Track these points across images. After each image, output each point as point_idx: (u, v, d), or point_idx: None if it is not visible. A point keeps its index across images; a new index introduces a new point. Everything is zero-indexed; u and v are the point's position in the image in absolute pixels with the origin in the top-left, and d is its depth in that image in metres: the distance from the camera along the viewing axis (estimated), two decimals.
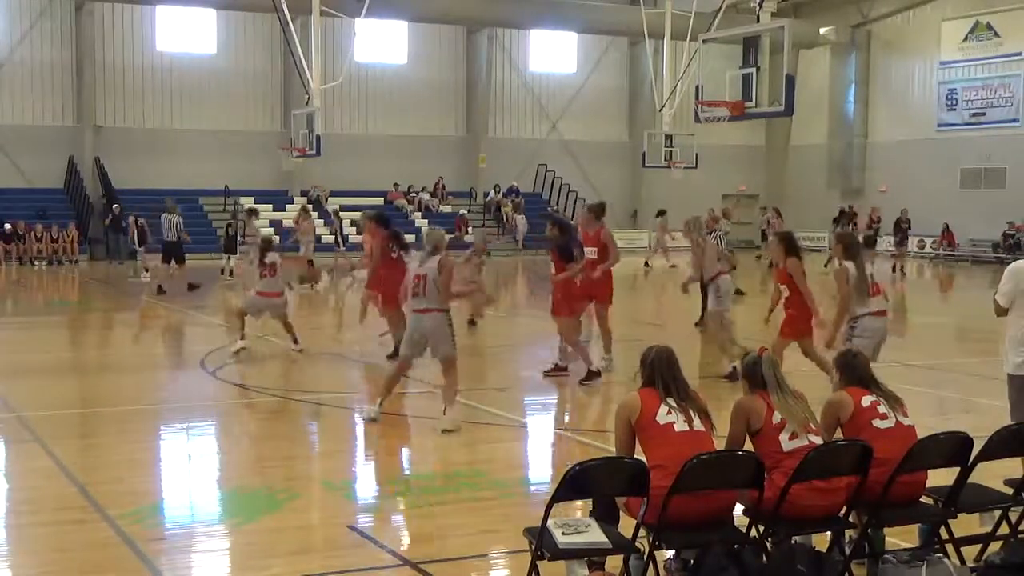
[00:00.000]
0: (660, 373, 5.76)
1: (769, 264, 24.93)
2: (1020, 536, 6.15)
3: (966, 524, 6.13)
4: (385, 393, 10.07)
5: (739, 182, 43.64)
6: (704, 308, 16.96)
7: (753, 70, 27.40)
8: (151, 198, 34.39)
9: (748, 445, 5.76)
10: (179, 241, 23.82)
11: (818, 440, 5.67)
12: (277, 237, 33.94)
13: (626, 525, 5.48)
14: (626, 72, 43.24)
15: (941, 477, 6.09)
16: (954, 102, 38.25)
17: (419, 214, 38.25)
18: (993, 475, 6.29)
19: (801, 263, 11.28)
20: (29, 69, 35.46)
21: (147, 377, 13.26)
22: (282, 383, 12.74)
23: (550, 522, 5.15)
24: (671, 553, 5.61)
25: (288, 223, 33.74)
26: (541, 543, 5.13)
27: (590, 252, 12.75)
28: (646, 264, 31.88)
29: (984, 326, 20.13)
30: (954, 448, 5.89)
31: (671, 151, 34.77)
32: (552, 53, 42.01)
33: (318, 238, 33.00)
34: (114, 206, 32.68)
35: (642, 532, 5.35)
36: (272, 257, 14.41)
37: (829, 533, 5.86)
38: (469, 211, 38.58)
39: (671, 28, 34.40)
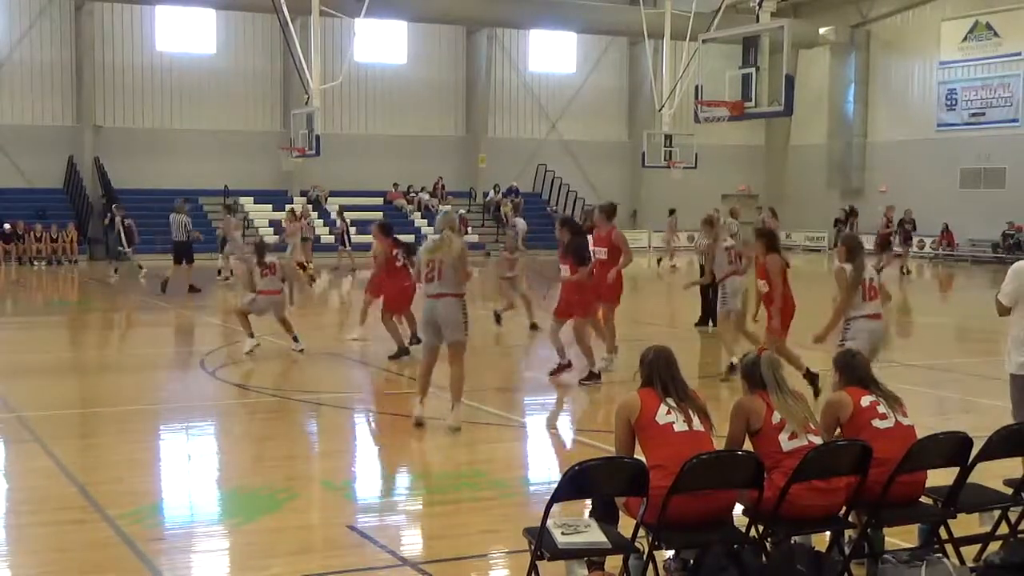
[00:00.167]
0: (658, 373, 5.76)
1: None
2: (1020, 536, 6.15)
3: (966, 524, 6.13)
4: (423, 391, 9.83)
5: (739, 182, 43.64)
6: (704, 309, 17.02)
7: (753, 70, 27.42)
8: (151, 198, 34.52)
9: (748, 445, 5.76)
10: (188, 241, 23.91)
11: (818, 440, 5.68)
12: (276, 237, 34.11)
13: (626, 525, 5.48)
14: (626, 72, 43.26)
15: (941, 477, 6.09)
16: (954, 102, 38.27)
17: (419, 214, 38.26)
18: (993, 475, 6.29)
19: (780, 260, 11.27)
20: (29, 69, 35.48)
21: (147, 377, 13.26)
22: (282, 383, 12.74)
23: (550, 522, 5.15)
24: (671, 553, 5.61)
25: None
26: (541, 543, 5.13)
27: (601, 252, 12.83)
28: (658, 262, 31.86)
29: (984, 326, 20.14)
30: (954, 448, 5.89)
31: (671, 151, 34.77)
32: (552, 53, 42.03)
33: (318, 238, 33.05)
34: (113, 206, 32.65)
35: (642, 532, 5.36)
36: (270, 257, 14.49)
37: (829, 533, 5.86)
38: (469, 211, 38.58)
39: (671, 28, 34.40)
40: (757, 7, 29.86)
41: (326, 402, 11.35)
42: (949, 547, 5.96)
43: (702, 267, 17.53)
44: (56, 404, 11.17)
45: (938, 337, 18.80)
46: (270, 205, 37.08)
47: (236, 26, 37.54)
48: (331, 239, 34.95)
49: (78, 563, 6.38)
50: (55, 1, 35.71)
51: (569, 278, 12.23)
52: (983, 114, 37.30)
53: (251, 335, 14.22)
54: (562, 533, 5.16)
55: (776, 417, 5.69)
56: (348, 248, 30.47)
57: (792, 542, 5.73)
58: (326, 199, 37.77)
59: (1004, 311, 7.49)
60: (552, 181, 41.49)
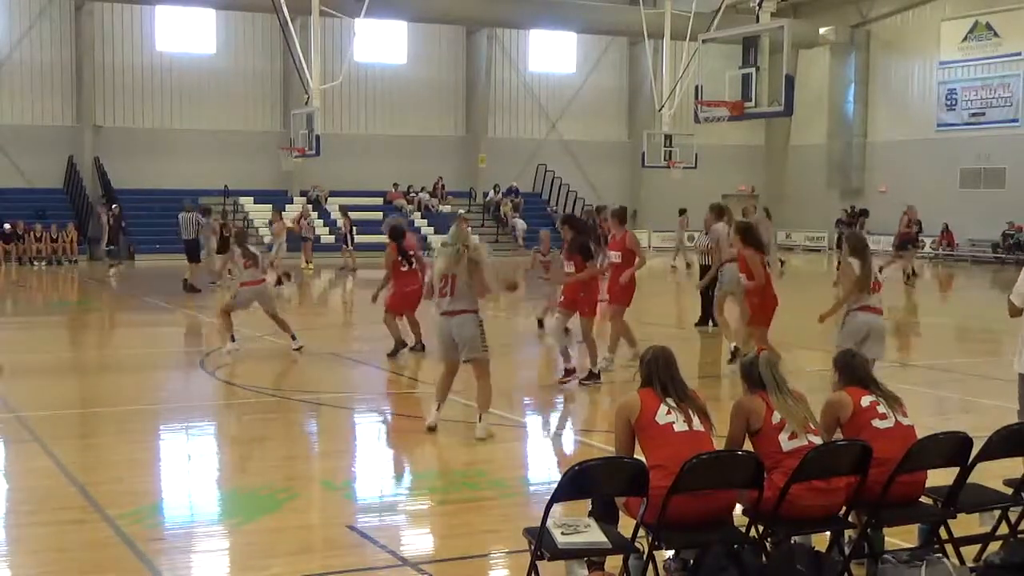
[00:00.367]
0: (658, 373, 5.76)
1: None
2: (1020, 536, 6.15)
3: (966, 524, 6.13)
4: (441, 399, 9.68)
5: (739, 182, 43.65)
6: (704, 308, 17.01)
7: (753, 70, 27.42)
8: (151, 198, 34.54)
9: (748, 445, 5.76)
10: (197, 240, 24.03)
11: (817, 440, 5.68)
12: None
13: (626, 525, 5.48)
14: (626, 72, 43.26)
15: (941, 477, 6.09)
16: (953, 102, 38.27)
17: (419, 214, 38.26)
18: (993, 475, 6.29)
19: (758, 255, 11.34)
20: (29, 69, 35.48)
21: (147, 377, 13.26)
22: (282, 383, 12.74)
23: (550, 522, 5.15)
24: (670, 553, 5.62)
25: (288, 223, 33.73)
26: (541, 543, 5.13)
27: (615, 256, 13.02)
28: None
29: (984, 326, 20.16)
30: (954, 448, 5.89)
31: (671, 151, 34.77)
32: (552, 53, 42.03)
33: (318, 238, 33.06)
34: (114, 206, 32.67)
35: (642, 532, 5.36)
36: (252, 248, 14.42)
37: (829, 533, 5.86)
38: (469, 211, 38.57)
39: (671, 28, 34.42)
40: (757, 7, 29.87)
41: (326, 402, 11.35)
42: (949, 547, 5.96)
43: (702, 267, 17.53)
44: (56, 404, 11.17)
45: (938, 337, 18.80)
46: (270, 205, 36.98)
47: (236, 26, 37.55)
48: (331, 239, 35.00)
49: (78, 563, 6.38)
50: (55, 1, 35.72)
51: (578, 276, 12.14)
52: (983, 114, 37.30)
53: (232, 338, 14.17)
54: (562, 533, 5.16)
55: (776, 417, 5.69)
56: (350, 248, 30.44)
57: (792, 542, 5.73)
58: (326, 199, 37.77)
59: (1016, 312, 7.50)
60: (552, 181, 41.50)
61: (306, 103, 29.67)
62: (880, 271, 10.75)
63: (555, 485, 5.22)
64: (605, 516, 5.54)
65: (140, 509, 7.33)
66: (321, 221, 35.98)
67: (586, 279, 12.13)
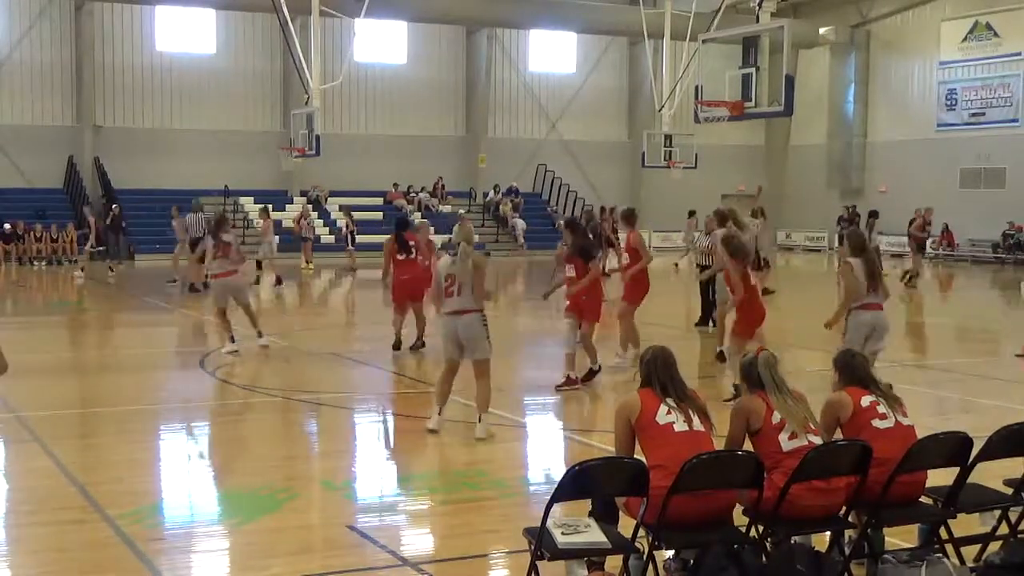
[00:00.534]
0: (657, 373, 5.76)
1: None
2: (1020, 536, 6.15)
3: (966, 524, 6.13)
4: (441, 401, 9.66)
5: (739, 182, 43.62)
6: (704, 308, 17.03)
7: (753, 70, 27.40)
8: (151, 198, 34.54)
9: (748, 445, 5.76)
10: (204, 238, 24.11)
11: (817, 440, 5.68)
12: (277, 237, 34.10)
13: (626, 525, 5.48)
14: (626, 72, 43.25)
15: (941, 477, 6.09)
16: (953, 102, 38.26)
17: (419, 214, 38.24)
18: (993, 475, 6.29)
19: (740, 266, 11.35)
20: (29, 69, 35.47)
21: (147, 377, 13.26)
22: (282, 383, 12.73)
23: (550, 522, 5.15)
24: (671, 553, 5.62)
25: (287, 223, 33.76)
26: (541, 543, 5.13)
27: (627, 257, 13.48)
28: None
29: (984, 326, 20.17)
30: (954, 448, 5.89)
31: (671, 151, 34.76)
32: (552, 53, 42.02)
33: (318, 238, 33.05)
34: (114, 206, 32.69)
35: (642, 532, 5.36)
36: (227, 237, 14.30)
37: (829, 533, 5.86)
38: (469, 211, 38.57)
39: (671, 28, 34.41)
40: (757, 7, 29.86)
41: (326, 402, 11.35)
42: (949, 547, 5.96)
43: (700, 267, 17.54)
44: (56, 404, 11.17)
45: (938, 337, 18.81)
46: (270, 205, 36.98)
47: (236, 26, 37.54)
48: (331, 239, 35.01)
49: (78, 563, 6.38)
50: (55, 1, 35.71)
51: (580, 284, 12.05)
52: (983, 114, 37.29)
53: (231, 339, 14.15)
54: (562, 533, 5.16)
55: (776, 417, 5.69)
56: (352, 248, 30.40)
57: (792, 542, 5.73)
58: (326, 199, 37.77)
59: None
60: (552, 181, 41.49)
61: (306, 103, 29.66)
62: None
63: (555, 485, 5.22)
64: (605, 516, 5.54)
65: (140, 509, 7.33)
66: (321, 221, 35.98)
67: (588, 284, 12.06)
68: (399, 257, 14.32)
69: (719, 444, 5.75)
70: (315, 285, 27.67)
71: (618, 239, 16.02)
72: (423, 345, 14.24)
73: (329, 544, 6.81)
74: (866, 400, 5.97)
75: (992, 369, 14.19)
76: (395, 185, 39.17)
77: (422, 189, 39.43)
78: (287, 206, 36.62)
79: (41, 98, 35.71)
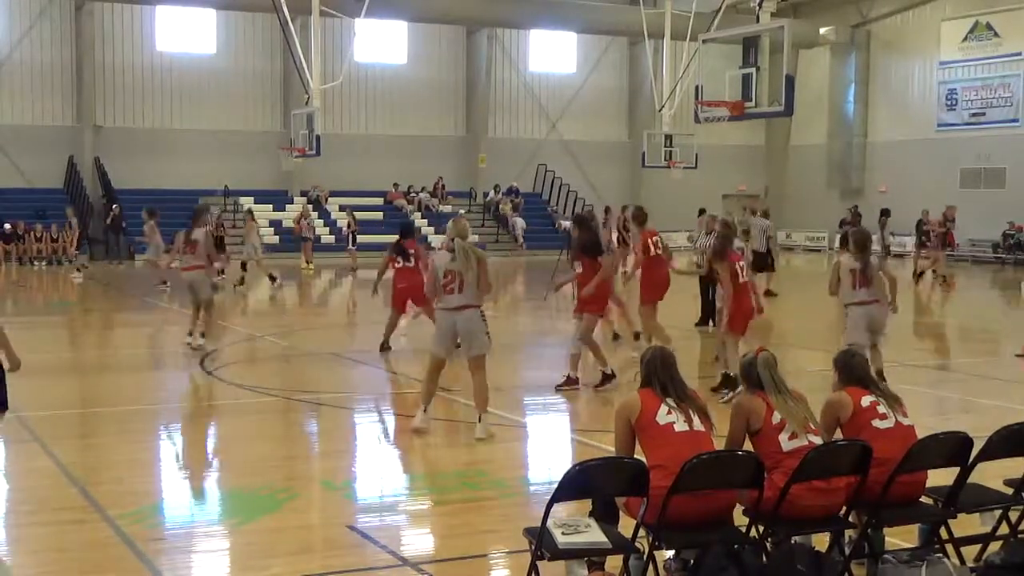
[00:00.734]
0: (657, 373, 5.76)
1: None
2: (1020, 536, 6.15)
3: (966, 524, 6.13)
4: (427, 399, 9.64)
5: (739, 182, 43.64)
6: (704, 309, 17.03)
7: (753, 70, 27.40)
8: (151, 198, 34.47)
9: (748, 445, 5.76)
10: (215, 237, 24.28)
11: (818, 440, 5.68)
12: (276, 237, 34.13)
13: (626, 525, 5.48)
14: (626, 72, 43.24)
15: (941, 477, 6.09)
16: (954, 102, 38.26)
17: (419, 214, 38.25)
18: (993, 475, 6.29)
19: (729, 265, 11.55)
20: (29, 69, 35.47)
21: (147, 377, 13.27)
22: (282, 383, 12.73)
23: (550, 522, 5.15)
24: (671, 553, 5.61)
25: (288, 223, 33.78)
26: (541, 543, 5.13)
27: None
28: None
29: (984, 326, 20.17)
30: (954, 448, 5.89)
31: (671, 151, 34.74)
32: (552, 53, 42.01)
33: (318, 238, 33.05)
34: (114, 206, 32.72)
35: (642, 532, 5.36)
36: (196, 235, 14.30)
37: (829, 533, 5.86)
38: (469, 211, 38.57)
39: (671, 28, 34.39)
40: (757, 7, 29.86)
41: (326, 402, 11.35)
42: (949, 547, 5.96)
43: (699, 267, 17.55)
44: (56, 404, 11.16)
45: (938, 337, 18.80)
46: (270, 205, 37.05)
47: (236, 26, 37.53)
48: (331, 239, 35.01)
49: (78, 563, 6.38)
50: (55, 1, 35.70)
51: (593, 282, 12.00)
52: (983, 114, 37.28)
53: (202, 334, 14.16)
54: (562, 533, 5.15)
55: (776, 417, 5.69)
56: (353, 248, 30.38)
57: (792, 542, 5.73)
58: (326, 199, 37.77)
59: None
60: (552, 181, 41.49)
61: (306, 103, 29.65)
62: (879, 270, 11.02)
63: (555, 485, 5.22)
64: (605, 516, 5.54)
65: (140, 509, 7.33)
66: (321, 221, 35.98)
67: (599, 283, 11.95)
68: (397, 265, 14.33)
69: (719, 444, 5.75)
70: (315, 285, 27.67)
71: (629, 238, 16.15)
72: (390, 348, 14.30)
73: (329, 544, 6.81)
74: (866, 400, 5.97)
75: (992, 369, 14.19)
76: (395, 185, 39.16)
77: (422, 189, 39.43)
78: (287, 206, 36.62)
79: (41, 98, 35.71)
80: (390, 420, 11.01)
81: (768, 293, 20.50)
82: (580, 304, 12.04)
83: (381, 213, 37.80)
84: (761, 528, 5.60)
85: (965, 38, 37.62)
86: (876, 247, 30.45)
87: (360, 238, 30.76)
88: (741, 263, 11.95)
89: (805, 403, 5.85)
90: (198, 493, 8.03)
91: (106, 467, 8.75)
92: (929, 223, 31.37)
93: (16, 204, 33.33)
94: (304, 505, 7.73)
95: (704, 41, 30.55)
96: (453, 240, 9.41)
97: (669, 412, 5.62)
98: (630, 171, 41.91)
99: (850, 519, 5.78)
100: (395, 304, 14.40)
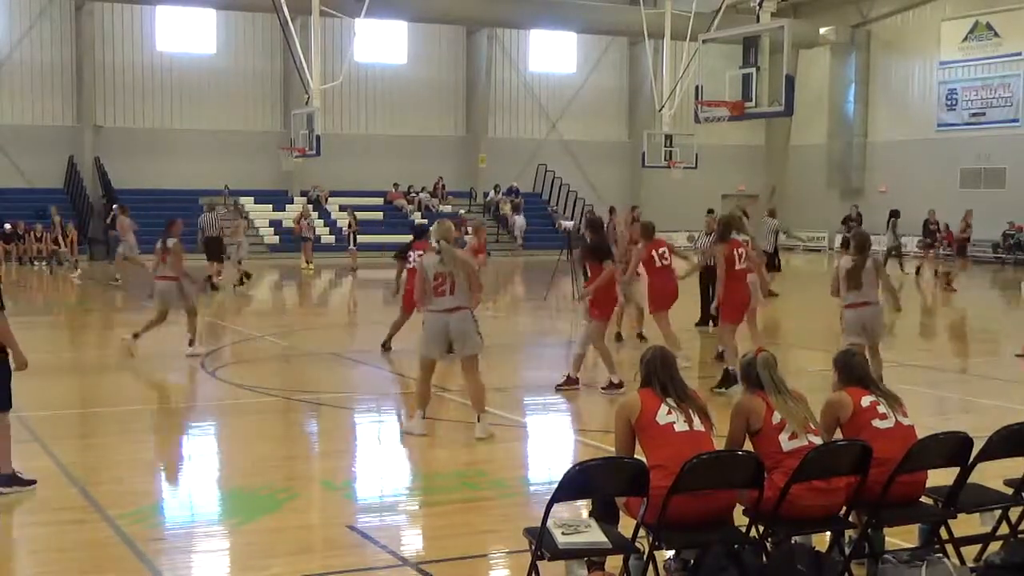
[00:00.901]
0: (656, 373, 5.76)
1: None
2: (1020, 536, 6.15)
3: (966, 524, 6.13)
4: (423, 403, 9.65)
5: (739, 182, 43.64)
6: (703, 309, 17.02)
7: (753, 70, 27.40)
8: (151, 198, 34.51)
9: (748, 445, 5.76)
10: (219, 237, 24.37)
11: (818, 440, 5.68)
12: (276, 237, 34.13)
13: (626, 525, 5.48)
14: (626, 72, 43.24)
15: (941, 477, 6.09)
16: (954, 102, 38.25)
17: (419, 214, 38.25)
18: (993, 475, 6.29)
19: (726, 249, 11.79)
20: (29, 69, 35.47)
21: (147, 377, 13.27)
22: (282, 383, 12.74)
23: (550, 522, 5.15)
24: (671, 553, 5.61)
25: (288, 223, 33.78)
26: (541, 543, 5.13)
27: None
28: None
29: (984, 326, 20.16)
30: (954, 448, 5.89)
31: (671, 151, 34.73)
32: (552, 53, 42.01)
33: (318, 238, 33.05)
34: (114, 206, 32.68)
35: (642, 532, 5.36)
36: (169, 243, 14.28)
37: (829, 533, 5.86)
38: (469, 211, 38.58)
39: (671, 28, 34.39)
40: (757, 7, 29.85)
41: (326, 402, 11.35)
42: (949, 547, 5.96)
43: (706, 267, 17.54)
44: (56, 404, 11.16)
45: (938, 337, 18.80)
46: (270, 205, 37.08)
47: (236, 26, 37.53)
48: (331, 239, 35.00)
49: (78, 563, 6.38)
50: (55, 1, 35.71)
51: (593, 284, 11.99)
52: (983, 114, 37.28)
53: (190, 341, 14.08)
54: (562, 533, 5.15)
55: (776, 417, 5.69)
56: (354, 247, 30.40)
57: (792, 542, 5.73)
58: (326, 199, 37.77)
59: None
60: (552, 181, 41.49)
61: (306, 103, 29.64)
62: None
63: (555, 485, 5.21)
64: (605, 516, 5.54)
65: (140, 509, 7.33)
66: (321, 221, 35.98)
67: (601, 284, 11.94)
68: (407, 267, 14.32)
69: (719, 444, 5.75)
70: (315, 285, 27.67)
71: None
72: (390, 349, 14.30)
73: (329, 544, 6.81)
74: (866, 400, 5.97)
75: (992, 369, 14.20)
76: (395, 185, 39.17)
77: (422, 189, 39.43)
78: (287, 206, 36.63)
79: (41, 98, 35.71)
80: (390, 420, 11.01)
81: (770, 293, 20.49)
82: (590, 308, 12.06)
83: (381, 213, 37.81)
84: (761, 528, 5.60)
85: (965, 38, 37.63)
86: (885, 248, 30.67)
87: (360, 238, 30.77)
88: (741, 250, 11.98)
89: (805, 403, 5.85)
90: (198, 493, 8.02)
91: (106, 467, 8.75)
92: (936, 223, 31.40)
93: (16, 204, 33.32)
94: (304, 505, 7.73)
95: (704, 41, 30.55)
96: (438, 242, 9.41)
97: (669, 412, 5.61)
98: (630, 171, 41.91)
99: (850, 519, 5.78)
100: (404, 306, 14.35)
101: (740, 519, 5.65)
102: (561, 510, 5.29)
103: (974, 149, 37.20)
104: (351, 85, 36.23)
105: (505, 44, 41.36)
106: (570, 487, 5.20)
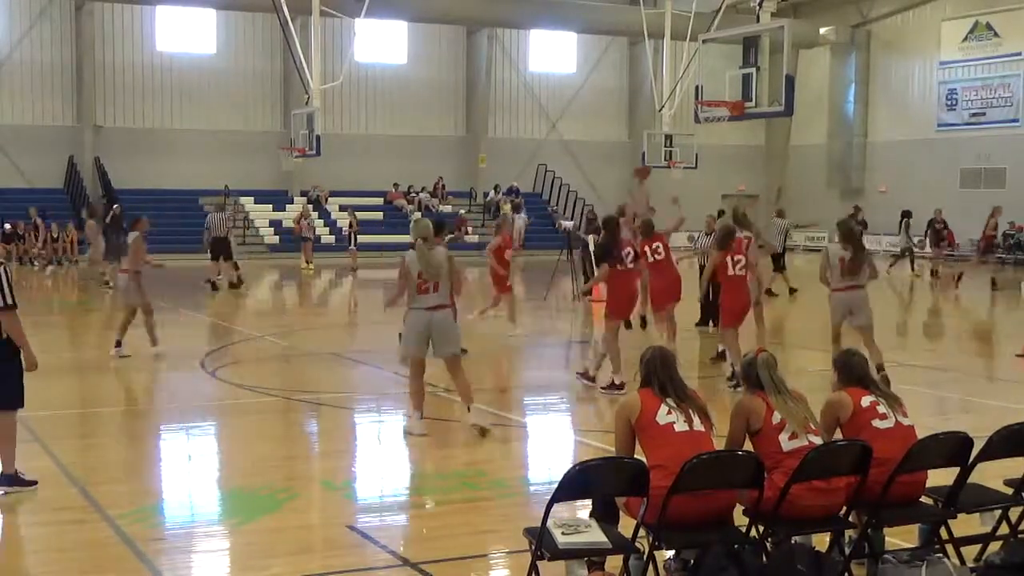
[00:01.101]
0: (656, 373, 5.76)
1: None
2: (1020, 536, 6.15)
3: (966, 524, 6.13)
4: (418, 402, 9.64)
5: (739, 182, 43.63)
6: (703, 308, 17.01)
7: (753, 70, 27.41)
8: (151, 198, 34.54)
9: (748, 445, 5.76)
10: (226, 237, 24.63)
11: (818, 440, 5.67)
12: (276, 237, 34.12)
13: (626, 525, 5.48)
14: (626, 72, 43.25)
15: (941, 477, 6.09)
16: (954, 102, 38.26)
17: (419, 214, 38.24)
18: (993, 475, 6.29)
19: (720, 256, 12.01)
20: (29, 69, 35.48)
21: (147, 377, 13.26)
22: (282, 383, 12.74)
23: (550, 522, 5.15)
24: (671, 553, 5.61)
25: (288, 223, 33.78)
26: (541, 543, 5.13)
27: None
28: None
29: (984, 326, 20.16)
30: (954, 448, 5.89)
31: (671, 151, 34.74)
32: (552, 53, 42.02)
33: (318, 238, 33.05)
34: (114, 206, 32.67)
35: (642, 532, 5.35)
36: (129, 239, 14.26)
37: (829, 533, 5.86)
38: (469, 211, 38.59)
39: (671, 28, 34.40)
40: (757, 7, 29.86)
41: (326, 402, 11.35)
42: (949, 547, 5.96)
43: (702, 267, 17.54)
44: (56, 404, 11.15)
45: (938, 337, 18.80)
46: (270, 205, 37.08)
47: (236, 26, 37.54)
48: (331, 239, 35.00)
49: (78, 563, 6.38)
50: (55, 1, 35.71)
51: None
52: (983, 114, 37.28)
53: (152, 342, 14.07)
54: (562, 533, 5.15)
55: (776, 417, 5.69)
56: (354, 247, 30.40)
57: (792, 542, 5.73)
58: (326, 199, 37.77)
59: None
60: (552, 181, 41.48)
61: (306, 103, 29.65)
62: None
63: (555, 485, 5.21)
64: (605, 516, 5.54)
65: (140, 509, 7.33)
66: (321, 221, 35.98)
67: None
68: None
69: (719, 444, 5.75)
70: (315, 285, 27.67)
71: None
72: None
73: (329, 544, 6.81)
74: (866, 400, 5.97)
75: (992, 369, 14.20)
76: (395, 185, 39.17)
77: (422, 189, 39.43)
78: (287, 206, 36.62)
79: (41, 98, 35.71)
80: (390, 420, 11.00)
81: (769, 292, 20.52)
82: (606, 308, 12.14)
83: (381, 213, 37.81)
84: (761, 528, 5.59)
85: (965, 38, 37.63)
86: (898, 248, 30.67)
87: (360, 238, 30.77)
88: (737, 256, 11.99)
89: (805, 403, 5.85)
90: (198, 493, 8.02)
91: (106, 467, 8.75)
92: (942, 223, 31.39)
93: (16, 204, 33.30)
94: (304, 505, 7.72)
95: (704, 41, 30.55)
96: (415, 241, 9.48)
97: (669, 412, 5.61)
98: (630, 171, 41.84)
99: (850, 519, 5.78)
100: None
101: (740, 519, 5.65)
102: (561, 510, 5.28)
103: (974, 149, 37.20)
104: (351, 85, 36.23)
105: (505, 44, 41.36)
106: (570, 487, 5.20)
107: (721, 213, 32.27)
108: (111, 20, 36.39)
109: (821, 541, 5.95)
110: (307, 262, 29.86)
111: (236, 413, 11.17)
